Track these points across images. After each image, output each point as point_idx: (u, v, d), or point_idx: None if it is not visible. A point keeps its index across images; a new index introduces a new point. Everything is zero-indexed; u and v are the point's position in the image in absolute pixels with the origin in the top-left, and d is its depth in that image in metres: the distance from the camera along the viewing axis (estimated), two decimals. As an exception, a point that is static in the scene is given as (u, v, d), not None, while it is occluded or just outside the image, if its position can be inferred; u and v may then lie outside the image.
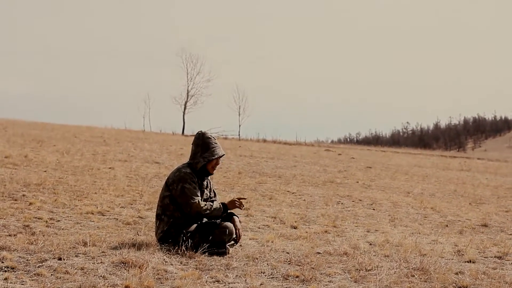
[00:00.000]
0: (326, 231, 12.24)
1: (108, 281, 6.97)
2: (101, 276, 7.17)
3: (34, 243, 8.68)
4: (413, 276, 8.28)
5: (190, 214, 9.07)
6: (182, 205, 9.08)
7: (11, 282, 6.71)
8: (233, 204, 9.42)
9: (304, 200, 17.62)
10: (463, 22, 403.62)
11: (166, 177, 9.64)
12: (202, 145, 9.41)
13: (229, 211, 9.56)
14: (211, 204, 9.24)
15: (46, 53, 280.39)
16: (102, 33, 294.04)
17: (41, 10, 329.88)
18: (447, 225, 14.64)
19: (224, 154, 9.64)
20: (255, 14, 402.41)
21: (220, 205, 9.28)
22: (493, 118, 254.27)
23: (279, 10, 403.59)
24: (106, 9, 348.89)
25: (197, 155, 9.38)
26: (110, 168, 21.19)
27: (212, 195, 9.67)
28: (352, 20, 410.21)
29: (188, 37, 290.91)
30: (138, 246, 8.72)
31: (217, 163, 9.55)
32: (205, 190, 9.47)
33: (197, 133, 9.61)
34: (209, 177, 9.66)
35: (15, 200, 12.71)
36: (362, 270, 8.50)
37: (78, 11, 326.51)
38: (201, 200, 9.24)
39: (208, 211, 9.11)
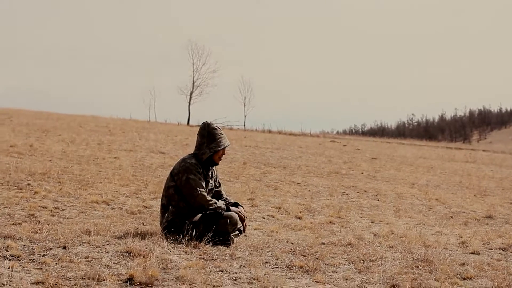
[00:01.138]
0: (330, 222, 12.24)
1: (112, 270, 6.97)
2: (105, 265, 7.17)
3: (39, 232, 8.68)
4: (418, 267, 8.28)
5: (194, 206, 9.07)
6: (187, 196, 9.08)
7: (15, 271, 6.71)
8: (238, 213, 9.38)
9: (309, 190, 17.62)
10: (468, 17, 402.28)
11: (172, 167, 9.64)
12: (208, 136, 9.40)
13: (234, 201, 9.58)
14: (217, 201, 9.24)
15: (52, 47, 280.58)
16: (108, 28, 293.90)
17: (46, 4, 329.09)
18: (451, 217, 14.63)
19: (230, 144, 9.64)
20: (258, 12, 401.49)
21: (224, 206, 9.27)
22: (498, 110, 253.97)
23: (283, 9, 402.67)
24: (112, 5, 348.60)
25: (203, 146, 9.37)
26: (115, 157, 21.22)
27: (217, 184, 9.67)
28: (358, 17, 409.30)
29: (192, 34, 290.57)
30: (142, 235, 8.72)
31: (223, 154, 9.54)
32: (210, 180, 9.47)
33: (202, 123, 9.59)
34: (214, 167, 9.65)
35: (20, 189, 12.73)
36: (367, 260, 8.49)
37: (84, 7, 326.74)
38: (206, 190, 9.24)
39: (211, 207, 9.10)
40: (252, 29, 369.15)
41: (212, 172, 9.58)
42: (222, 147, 9.41)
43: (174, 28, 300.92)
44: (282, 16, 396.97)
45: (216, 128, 9.48)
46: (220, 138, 9.43)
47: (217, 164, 9.56)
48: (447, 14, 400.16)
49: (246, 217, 9.56)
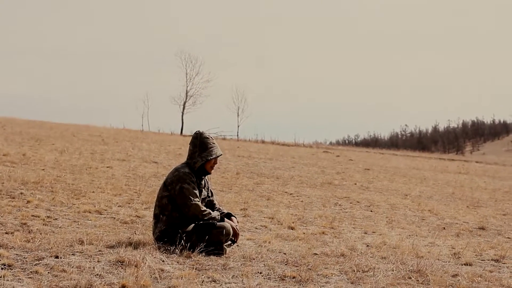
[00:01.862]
0: (323, 232, 12.24)
1: (104, 280, 6.97)
2: (97, 275, 7.16)
3: (31, 241, 8.67)
4: (410, 278, 8.28)
5: (188, 216, 9.06)
6: (181, 205, 9.07)
7: (7, 280, 6.70)
8: (232, 226, 9.37)
9: (302, 201, 17.63)
10: (463, 26, 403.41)
11: (165, 177, 9.63)
12: (200, 145, 9.41)
13: (226, 211, 9.58)
14: (211, 212, 9.24)
15: (44, 53, 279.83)
16: (100, 33, 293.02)
17: (38, 10, 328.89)
18: (444, 228, 14.65)
19: (222, 154, 9.65)
20: (255, 17, 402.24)
21: (219, 217, 9.27)
22: (491, 122, 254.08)
23: (279, 13, 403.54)
24: (105, 9, 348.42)
25: (195, 155, 9.38)
26: (108, 167, 21.20)
27: (210, 194, 9.67)
28: (352, 23, 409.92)
29: (189, 39, 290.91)
30: (135, 245, 8.72)
31: (215, 163, 9.55)
32: (203, 189, 9.47)
33: (194, 133, 9.60)
34: (206, 177, 9.65)
35: (13, 198, 12.70)
36: (359, 271, 8.49)
37: (75, 11, 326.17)
38: (199, 199, 9.24)
39: (205, 217, 9.09)
40: (248, 34, 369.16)
41: (204, 182, 9.58)
42: (214, 156, 9.41)
43: (170, 35, 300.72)
44: (279, 19, 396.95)
45: (208, 137, 9.48)
46: (212, 147, 9.43)
47: (209, 173, 9.55)
48: (446, 17, 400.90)
49: (238, 232, 9.54)
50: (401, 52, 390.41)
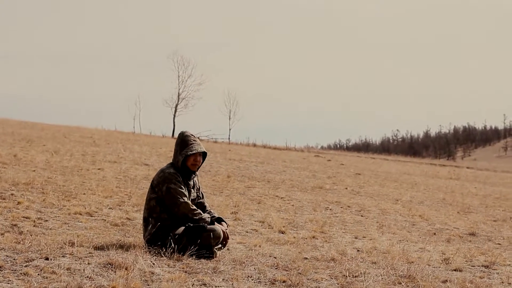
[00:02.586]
0: (314, 237, 12.25)
1: (94, 282, 6.95)
2: (87, 277, 7.15)
3: (21, 242, 8.65)
4: (400, 283, 8.29)
5: (178, 215, 9.05)
6: (170, 206, 9.07)
7: (-3, 281, 6.69)
8: (222, 230, 9.34)
9: (293, 205, 17.63)
10: (454, 34, 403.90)
11: (152, 179, 9.62)
12: (181, 143, 9.41)
13: (217, 216, 9.57)
14: (202, 212, 9.23)
15: (36, 54, 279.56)
16: (94, 36, 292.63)
17: (30, 12, 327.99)
18: (435, 233, 14.67)
19: (204, 151, 9.55)
20: (249, 23, 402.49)
21: (209, 220, 9.25)
22: (483, 128, 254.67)
23: (272, 19, 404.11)
24: (98, 11, 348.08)
25: (177, 154, 9.39)
26: (99, 169, 21.17)
27: (201, 196, 9.65)
28: (345, 29, 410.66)
29: (181, 42, 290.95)
30: (125, 247, 8.71)
31: (195, 160, 9.45)
32: (192, 190, 9.45)
33: (179, 133, 9.65)
34: (196, 178, 9.64)
35: (3, 199, 12.68)
36: (349, 276, 8.49)
37: (68, 14, 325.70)
38: (188, 198, 9.23)
39: (195, 217, 9.08)
40: (240, 39, 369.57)
41: (194, 182, 9.56)
42: (194, 152, 9.33)
43: (163, 38, 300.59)
44: (274, 24, 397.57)
45: (189, 136, 9.48)
46: (193, 144, 9.40)
47: (193, 171, 9.48)
48: (435, 28, 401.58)
49: (228, 237, 9.52)
50: (393, 58, 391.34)
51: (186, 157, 9.34)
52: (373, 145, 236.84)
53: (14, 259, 7.71)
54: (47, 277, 7.00)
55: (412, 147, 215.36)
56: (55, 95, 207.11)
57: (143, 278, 7.34)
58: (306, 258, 9.65)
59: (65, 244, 8.71)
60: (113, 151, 30.76)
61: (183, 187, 9.19)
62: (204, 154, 9.63)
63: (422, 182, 34.41)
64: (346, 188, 24.86)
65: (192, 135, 9.52)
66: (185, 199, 9.10)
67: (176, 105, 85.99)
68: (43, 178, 16.47)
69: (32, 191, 14.04)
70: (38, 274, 7.11)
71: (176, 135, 77.62)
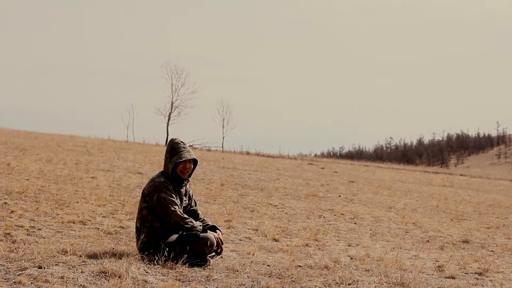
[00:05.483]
0: (307, 245, 12.24)
1: (88, 291, 6.95)
2: (80, 285, 7.14)
3: (14, 251, 8.65)
4: (393, 290, 8.30)
5: (170, 224, 9.04)
6: (161, 215, 9.05)
7: (-10, 290, 6.68)
8: (216, 238, 9.32)
9: (286, 213, 17.63)
10: (447, 44, 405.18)
11: (143, 188, 9.60)
12: (171, 150, 9.39)
13: (211, 224, 9.55)
14: (193, 220, 9.21)
15: (30, 64, 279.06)
16: (87, 46, 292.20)
17: (24, 23, 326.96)
18: (428, 241, 14.68)
19: (194, 158, 9.52)
20: (245, 35, 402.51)
21: (201, 228, 9.21)
22: (476, 135, 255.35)
23: (267, 33, 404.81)
24: (91, 21, 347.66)
25: (167, 161, 9.37)
26: (92, 177, 21.15)
27: (193, 203, 9.63)
28: (337, 42, 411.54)
29: (174, 53, 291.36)
30: (118, 256, 8.70)
31: (185, 167, 9.41)
32: (184, 197, 9.43)
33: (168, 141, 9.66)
34: (187, 185, 9.63)
35: (-4, 208, 12.66)
36: (343, 284, 8.50)
37: (61, 24, 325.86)
38: (180, 207, 9.22)
39: (187, 225, 9.06)
40: (235, 49, 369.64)
41: (185, 190, 9.55)
42: (183, 159, 9.28)
43: (156, 46, 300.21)
44: (268, 36, 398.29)
45: (179, 143, 9.44)
46: (182, 151, 9.36)
47: (183, 178, 9.45)
48: (427, 39, 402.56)
49: (222, 245, 9.51)
50: (387, 68, 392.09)
51: (176, 164, 9.32)
52: (366, 153, 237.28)
53: (8, 267, 7.70)
54: (40, 286, 7.00)
55: (405, 155, 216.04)
56: (48, 104, 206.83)
57: (136, 287, 7.34)
58: (300, 266, 9.65)
59: (58, 252, 8.71)
60: (106, 159, 30.75)
61: (173, 196, 9.17)
62: (195, 161, 9.61)
63: (415, 189, 34.45)
64: (340, 196, 24.88)
65: (181, 142, 9.49)
66: (176, 207, 9.08)
67: (170, 114, 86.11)
68: (36, 186, 16.45)
69: (25, 200, 14.02)
70: (31, 283, 7.10)
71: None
